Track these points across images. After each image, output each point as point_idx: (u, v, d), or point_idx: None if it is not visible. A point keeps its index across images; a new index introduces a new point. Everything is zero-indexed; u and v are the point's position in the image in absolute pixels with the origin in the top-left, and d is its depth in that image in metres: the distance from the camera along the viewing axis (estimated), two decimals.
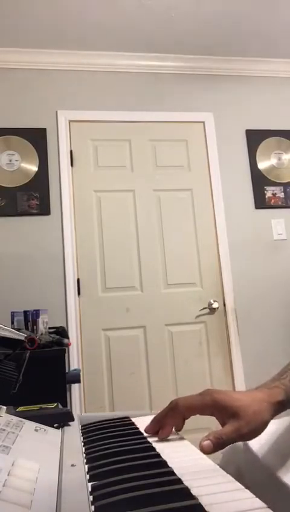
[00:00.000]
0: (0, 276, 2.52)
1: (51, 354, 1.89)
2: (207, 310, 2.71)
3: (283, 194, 2.96)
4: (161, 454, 0.53)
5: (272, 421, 0.61)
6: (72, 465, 0.51)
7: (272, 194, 2.95)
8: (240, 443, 0.77)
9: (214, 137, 2.95)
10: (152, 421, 0.65)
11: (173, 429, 0.65)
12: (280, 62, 3.08)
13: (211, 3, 2.47)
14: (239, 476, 0.71)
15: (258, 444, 0.72)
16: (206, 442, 0.54)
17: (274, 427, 0.74)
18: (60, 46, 2.76)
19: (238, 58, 3.01)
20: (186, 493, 0.41)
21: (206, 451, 0.54)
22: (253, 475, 0.71)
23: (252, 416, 0.57)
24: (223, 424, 0.58)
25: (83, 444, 0.62)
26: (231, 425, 0.56)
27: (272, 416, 0.59)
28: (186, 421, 0.64)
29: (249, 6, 2.51)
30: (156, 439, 0.63)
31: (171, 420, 0.63)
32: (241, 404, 0.58)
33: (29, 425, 0.64)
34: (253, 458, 0.72)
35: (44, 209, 2.64)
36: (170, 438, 0.63)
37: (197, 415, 0.62)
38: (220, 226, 2.83)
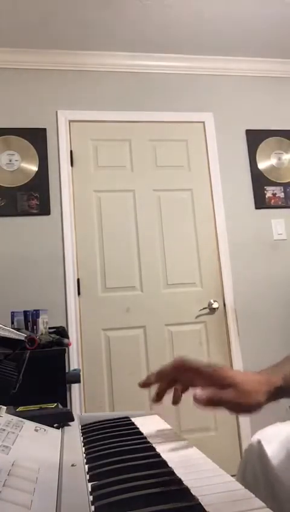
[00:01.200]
0: (1, 276, 2.52)
1: (51, 354, 1.89)
2: (207, 310, 2.71)
3: (283, 194, 2.96)
4: (161, 454, 0.53)
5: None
6: (72, 465, 0.51)
7: (272, 194, 2.95)
8: (257, 449, 0.78)
9: (214, 137, 2.95)
10: (151, 374, 0.68)
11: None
12: (281, 62, 3.08)
13: (211, 3, 2.47)
14: (255, 478, 0.73)
15: (274, 453, 0.75)
16: (201, 393, 0.56)
17: None
18: (60, 46, 2.76)
19: (238, 58, 3.01)
20: (186, 493, 0.41)
21: (198, 401, 0.56)
22: (267, 480, 0.73)
23: (248, 393, 0.60)
24: None
25: (83, 444, 0.62)
26: (229, 391, 0.59)
27: (267, 401, 0.62)
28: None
29: (250, 6, 2.51)
30: (156, 439, 0.63)
31: (171, 372, 0.66)
32: (242, 380, 0.61)
33: (29, 425, 0.64)
34: (266, 463, 0.74)
35: (44, 209, 2.64)
36: (170, 438, 0.64)
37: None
38: (220, 226, 2.83)
